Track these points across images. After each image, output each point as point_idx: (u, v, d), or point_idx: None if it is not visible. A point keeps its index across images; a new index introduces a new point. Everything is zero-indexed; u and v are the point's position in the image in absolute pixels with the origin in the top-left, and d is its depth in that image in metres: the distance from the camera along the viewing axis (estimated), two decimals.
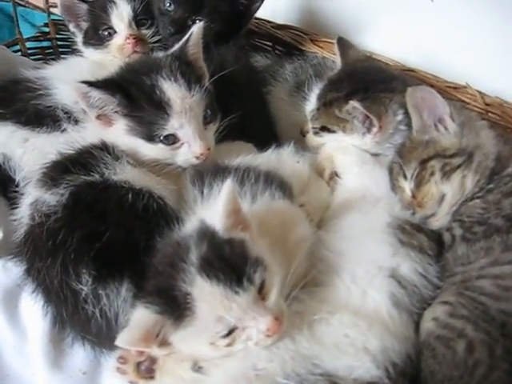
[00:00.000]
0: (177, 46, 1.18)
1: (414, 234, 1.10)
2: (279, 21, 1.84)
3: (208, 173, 1.08)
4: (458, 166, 1.11)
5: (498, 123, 1.35)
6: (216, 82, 1.21)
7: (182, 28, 1.41)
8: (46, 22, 1.76)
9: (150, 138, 1.10)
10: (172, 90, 1.09)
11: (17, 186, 1.24)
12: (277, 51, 1.80)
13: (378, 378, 0.89)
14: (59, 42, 1.74)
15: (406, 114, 1.22)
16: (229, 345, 0.85)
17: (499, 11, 1.53)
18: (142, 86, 1.10)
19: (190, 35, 1.17)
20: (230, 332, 0.84)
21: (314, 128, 1.33)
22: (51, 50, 1.78)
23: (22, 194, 1.12)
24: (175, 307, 0.83)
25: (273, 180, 1.08)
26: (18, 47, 1.69)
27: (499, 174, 1.12)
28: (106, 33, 1.45)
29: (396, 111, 1.23)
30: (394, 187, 1.19)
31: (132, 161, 1.09)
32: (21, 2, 2.61)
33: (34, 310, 1.04)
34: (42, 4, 2.45)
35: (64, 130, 1.28)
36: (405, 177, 1.17)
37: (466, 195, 1.12)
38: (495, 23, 1.54)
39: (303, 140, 1.39)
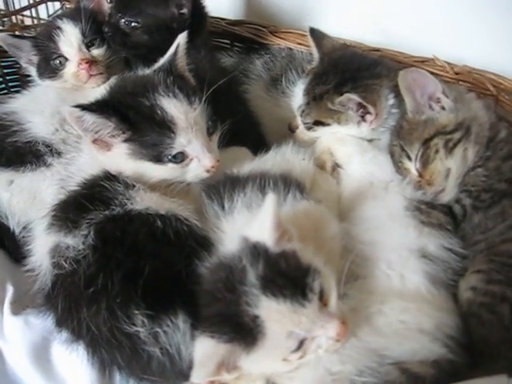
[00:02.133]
0: (164, 60, 1.13)
1: (431, 212, 1.13)
2: (230, 17, 1.80)
3: (223, 186, 1.05)
4: (459, 140, 1.15)
5: (471, 90, 1.41)
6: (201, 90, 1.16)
7: (116, 29, 1.38)
8: None
9: (159, 159, 1.04)
10: (174, 107, 1.04)
11: (13, 233, 1.15)
12: (236, 48, 1.76)
13: (442, 355, 0.91)
14: (5, 70, 1.61)
15: (396, 97, 1.25)
16: (301, 357, 0.84)
17: None
18: (140, 108, 1.04)
19: (177, 47, 1.12)
20: (301, 344, 0.82)
21: (306, 123, 1.32)
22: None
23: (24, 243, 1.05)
24: (244, 333, 0.80)
25: (290, 182, 1.07)
26: None
27: (493, 141, 1.17)
28: (58, 61, 1.37)
29: (387, 96, 1.25)
30: (399, 169, 1.21)
31: (144, 186, 1.03)
32: None
33: (70, 360, 0.97)
34: None
35: (50, 165, 1.21)
36: (409, 158, 1.20)
37: (469, 166, 1.16)
38: None
39: (290, 135, 1.38)
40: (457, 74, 1.46)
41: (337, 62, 1.31)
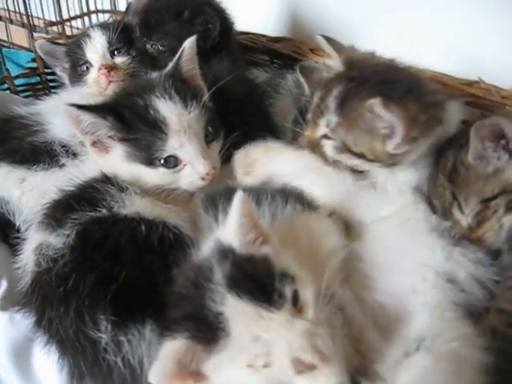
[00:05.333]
0: (170, 65, 1.12)
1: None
2: (272, 34, 1.78)
3: (220, 197, 1.00)
4: None
5: None
6: (216, 99, 1.15)
7: (143, 53, 1.39)
8: (33, 57, 1.69)
9: (150, 162, 1.03)
10: (167, 108, 1.03)
11: (18, 231, 1.16)
12: (275, 65, 1.73)
13: None
14: (48, 77, 1.68)
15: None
16: (266, 365, 0.75)
17: (499, 4, 1.49)
18: (135, 107, 1.04)
19: (182, 51, 1.11)
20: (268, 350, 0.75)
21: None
22: (41, 86, 1.72)
23: (24, 240, 1.04)
24: (206, 329, 0.75)
25: (290, 194, 1.02)
26: (6, 85, 1.63)
27: None
28: (84, 67, 1.42)
29: None
30: (444, 215, 1.08)
31: (138, 190, 1.01)
32: (4, 44, 2.60)
33: (48, 364, 0.93)
34: (26, 44, 2.44)
35: (62, 166, 1.22)
36: (461, 210, 1.05)
37: None
38: (496, 16, 1.49)
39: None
40: (503, 97, 1.34)
41: None
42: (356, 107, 1.05)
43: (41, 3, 2.40)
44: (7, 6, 2.47)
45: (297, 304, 0.78)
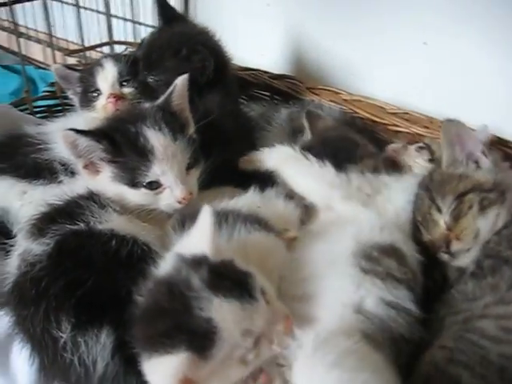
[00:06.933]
0: (162, 98, 1.23)
1: (382, 259, 1.03)
2: (277, 71, 1.89)
3: (188, 217, 1.08)
4: (495, 202, 1.12)
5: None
6: (202, 129, 1.25)
7: (145, 86, 1.50)
8: (53, 82, 1.84)
9: (134, 184, 1.13)
10: (156, 139, 1.13)
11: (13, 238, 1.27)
12: (275, 100, 1.84)
13: None
14: (65, 100, 1.82)
15: None
16: (256, 355, 0.83)
17: (499, 49, 1.56)
18: (126, 133, 1.14)
19: (174, 87, 1.22)
20: (256, 342, 0.83)
21: None
22: (59, 108, 1.86)
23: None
24: (201, 337, 0.79)
25: (249, 219, 1.09)
26: (26, 106, 1.77)
27: None
28: (95, 94, 1.54)
29: None
30: (425, 221, 1.18)
31: (118, 208, 1.11)
32: (40, 65, 2.80)
33: (22, 359, 1.04)
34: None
35: (60, 182, 1.32)
36: (439, 210, 1.16)
37: (495, 231, 1.11)
38: (496, 62, 1.57)
39: None
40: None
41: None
42: None
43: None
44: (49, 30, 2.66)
45: (265, 298, 0.86)
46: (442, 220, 1.15)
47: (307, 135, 1.45)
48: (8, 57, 3.05)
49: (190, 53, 1.44)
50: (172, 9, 1.68)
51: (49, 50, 2.73)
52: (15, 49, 3.07)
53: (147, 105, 1.25)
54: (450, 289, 1.11)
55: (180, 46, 1.45)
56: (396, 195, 1.23)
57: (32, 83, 2.65)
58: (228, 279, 0.84)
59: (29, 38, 2.86)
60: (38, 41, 2.84)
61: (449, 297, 1.09)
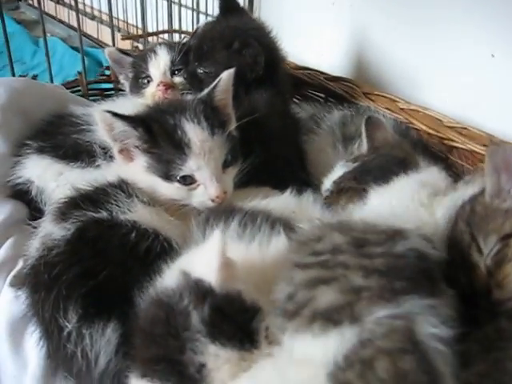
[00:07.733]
0: (205, 91, 1.19)
1: None
2: (334, 73, 1.81)
3: (212, 215, 1.04)
4: None
5: None
6: (245, 127, 1.20)
7: (193, 76, 1.46)
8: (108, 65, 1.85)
9: (167, 176, 1.10)
10: (193, 132, 1.09)
11: None
12: (329, 103, 1.75)
13: None
14: (119, 85, 1.81)
15: None
16: None
17: None
18: (164, 124, 1.11)
19: (218, 81, 1.17)
20: None
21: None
22: (112, 92, 1.86)
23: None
24: (187, 380, 0.74)
25: (279, 222, 1.00)
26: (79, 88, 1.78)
27: None
28: (145, 81, 1.52)
29: None
30: (465, 262, 1.00)
31: (146, 199, 1.08)
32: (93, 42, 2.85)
33: (33, 342, 1.03)
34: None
35: (98, 167, 1.30)
36: (479, 251, 0.98)
37: None
38: None
39: None
40: None
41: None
42: None
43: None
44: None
45: (268, 337, 0.78)
46: (483, 263, 0.96)
47: (363, 145, 1.31)
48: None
49: (242, 46, 1.38)
50: (233, 0, 1.63)
51: (117, 33, 2.77)
52: (87, 32, 3.19)
53: (189, 97, 1.21)
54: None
55: (232, 38, 1.39)
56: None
57: (99, 66, 2.75)
58: (230, 322, 0.76)
59: (101, 21, 2.88)
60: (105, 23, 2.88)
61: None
